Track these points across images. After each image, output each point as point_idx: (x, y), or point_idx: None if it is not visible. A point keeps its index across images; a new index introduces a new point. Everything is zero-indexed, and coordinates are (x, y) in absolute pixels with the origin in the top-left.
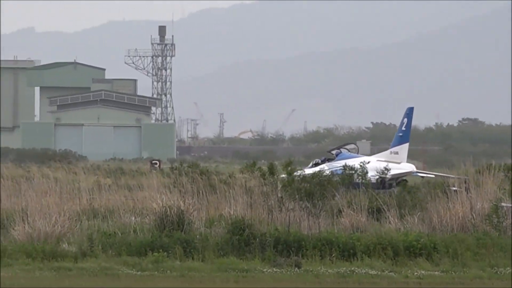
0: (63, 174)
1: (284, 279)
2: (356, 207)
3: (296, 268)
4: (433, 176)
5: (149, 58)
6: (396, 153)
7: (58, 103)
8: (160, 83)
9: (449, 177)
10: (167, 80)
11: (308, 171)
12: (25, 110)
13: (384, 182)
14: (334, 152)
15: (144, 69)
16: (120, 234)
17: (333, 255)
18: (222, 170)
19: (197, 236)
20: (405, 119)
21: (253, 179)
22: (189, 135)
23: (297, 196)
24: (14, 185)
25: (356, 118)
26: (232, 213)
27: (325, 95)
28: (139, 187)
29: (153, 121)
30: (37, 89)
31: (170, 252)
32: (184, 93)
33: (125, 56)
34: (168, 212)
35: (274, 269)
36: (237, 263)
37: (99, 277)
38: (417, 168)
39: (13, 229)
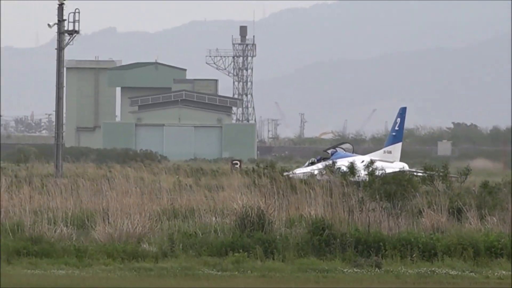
0: (144, 174)
1: (364, 279)
2: (437, 208)
3: (377, 269)
4: (426, 175)
5: (230, 58)
6: (390, 152)
7: (139, 103)
8: (241, 83)
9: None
10: (248, 80)
11: (304, 170)
12: (106, 110)
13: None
14: (329, 151)
15: (225, 69)
16: (200, 234)
17: (414, 255)
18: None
19: (278, 237)
20: (398, 119)
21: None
22: (270, 135)
23: (377, 197)
24: (95, 185)
25: (437, 119)
26: (312, 213)
27: (405, 95)
28: (219, 187)
29: (234, 121)
30: (118, 89)
31: (250, 252)
32: (265, 93)
33: (206, 56)
34: (249, 212)
35: (355, 269)
36: (318, 263)
37: (179, 277)
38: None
39: (94, 229)
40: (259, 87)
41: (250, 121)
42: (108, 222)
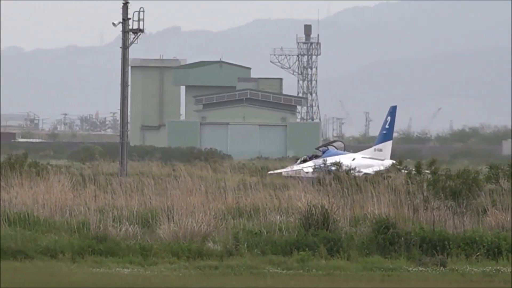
0: (208, 173)
1: (429, 278)
2: (502, 206)
3: (442, 267)
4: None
5: (295, 57)
6: (380, 150)
7: (203, 102)
8: (305, 82)
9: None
10: (313, 79)
11: (296, 167)
12: (170, 109)
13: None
14: (321, 149)
15: (289, 68)
16: (265, 233)
17: (478, 254)
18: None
19: (342, 235)
20: (389, 117)
21: (399, 177)
22: (335, 134)
23: (442, 195)
24: (160, 184)
25: (502, 117)
26: (376, 212)
27: (470, 94)
28: (284, 186)
29: (298, 120)
30: (182, 88)
31: (315, 251)
32: (329, 92)
33: (270, 55)
34: (313, 211)
35: (420, 268)
36: (382, 262)
37: (244, 276)
38: None
39: (159, 227)
40: (323, 85)
41: (315, 120)
42: (173, 221)
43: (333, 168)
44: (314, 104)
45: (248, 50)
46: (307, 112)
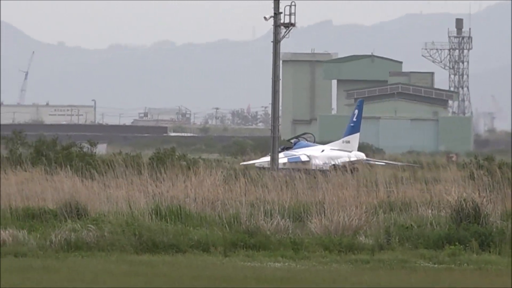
0: (359, 167)
1: None
2: None
3: None
4: (383, 164)
5: (446, 51)
6: (348, 142)
7: (355, 96)
8: (457, 76)
9: (397, 164)
10: (464, 73)
11: (265, 159)
12: (322, 103)
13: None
14: (293, 141)
15: (441, 62)
16: (416, 227)
17: None
18: None
19: (493, 229)
20: (356, 111)
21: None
22: (486, 129)
23: None
24: (311, 178)
25: None
26: None
27: None
28: (435, 180)
29: (449, 115)
30: (334, 82)
31: (466, 245)
32: (481, 86)
33: (422, 49)
34: (464, 205)
35: None
36: None
37: (395, 270)
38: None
39: (310, 221)
40: (475, 80)
41: (466, 114)
42: (324, 215)
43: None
44: (465, 99)
45: (399, 44)
46: (459, 106)
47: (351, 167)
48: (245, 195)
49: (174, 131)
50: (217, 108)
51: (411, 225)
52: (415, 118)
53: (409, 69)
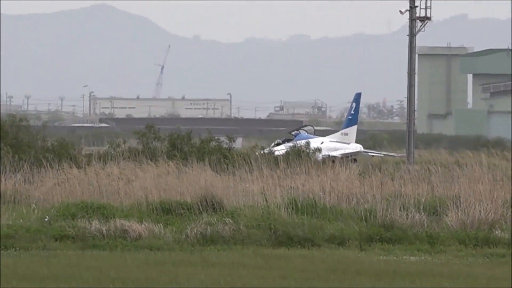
0: (496, 161)
1: None
2: None
3: None
4: (382, 155)
5: None
6: (346, 134)
7: (491, 90)
8: None
9: (394, 156)
10: None
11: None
12: (458, 97)
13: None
14: (293, 133)
15: None
16: None
17: None
18: None
19: None
20: (354, 104)
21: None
22: None
23: None
24: (447, 172)
25: None
26: None
27: None
28: None
29: None
30: (469, 76)
31: None
32: None
33: None
34: None
35: None
36: None
37: None
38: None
39: (446, 215)
40: None
41: None
42: (460, 209)
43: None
44: None
45: None
46: None
47: (350, 159)
48: (381, 189)
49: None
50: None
51: None
52: None
53: None
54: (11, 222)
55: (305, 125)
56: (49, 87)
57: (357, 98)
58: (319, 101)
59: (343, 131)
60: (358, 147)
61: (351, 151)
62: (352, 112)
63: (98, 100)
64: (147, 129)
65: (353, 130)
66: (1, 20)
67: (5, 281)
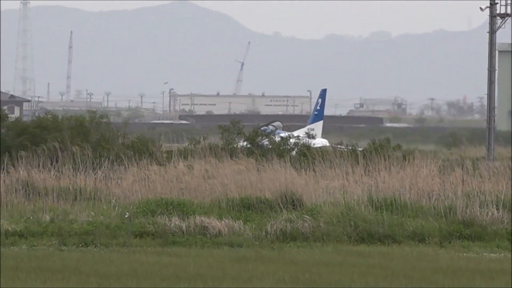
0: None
1: None
2: None
3: None
4: (345, 149)
5: None
6: (313, 129)
7: None
8: None
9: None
10: None
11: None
12: None
13: None
14: (263, 128)
15: None
16: None
17: None
18: None
19: None
20: (320, 100)
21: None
22: None
23: None
24: None
25: None
26: None
27: None
28: None
29: None
30: None
31: None
32: None
33: None
34: None
35: None
36: None
37: None
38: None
39: None
40: None
41: None
42: None
43: None
44: None
45: None
46: None
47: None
48: (461, 186)
49: (390, 122)
50: (432, 99)
51: None
52: None
53: None
54: (91, 219)
55: (274, 121)
56: (129, 84)
57: (323, 94)
58: (399, 98)
59: (309, 126)
60: (324, 142)
61: (317, 146)
62: (318, 108)
63: (178, 97)
64: (232, 124)
65: (319, 126)
66: (82, 17)
67: (85, 278)
